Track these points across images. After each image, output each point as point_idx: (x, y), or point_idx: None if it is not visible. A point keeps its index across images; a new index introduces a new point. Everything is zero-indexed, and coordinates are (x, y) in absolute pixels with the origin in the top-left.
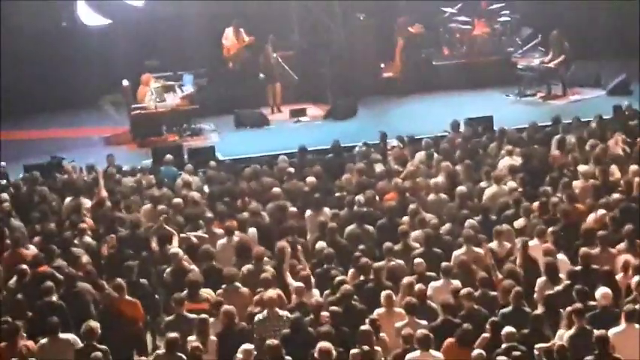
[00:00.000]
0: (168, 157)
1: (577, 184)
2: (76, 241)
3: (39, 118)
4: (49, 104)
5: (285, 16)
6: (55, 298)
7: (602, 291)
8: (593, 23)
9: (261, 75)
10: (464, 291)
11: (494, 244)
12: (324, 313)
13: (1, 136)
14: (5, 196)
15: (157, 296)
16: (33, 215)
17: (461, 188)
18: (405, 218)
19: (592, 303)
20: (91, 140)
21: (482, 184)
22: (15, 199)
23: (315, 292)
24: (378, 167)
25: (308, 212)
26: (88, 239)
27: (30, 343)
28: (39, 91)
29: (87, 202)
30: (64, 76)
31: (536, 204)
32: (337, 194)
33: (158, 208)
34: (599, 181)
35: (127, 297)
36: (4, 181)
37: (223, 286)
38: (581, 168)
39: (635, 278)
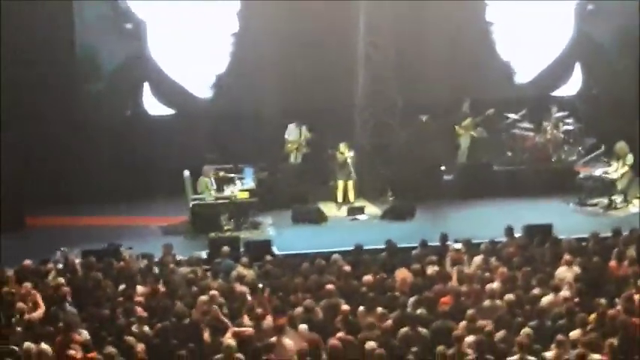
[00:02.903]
0: (226, 249)
1: (636, 298)
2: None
3: (99, 206)
4: (110, 192)
5: (347, 115)
6: None
7: None
8: None
9: (338, 167)
10: None
11: (551, 354)
12: None
13: (62, 222)
14: (62, 280)
15: None
16: (87, 301)
17: (509, 296)
18: (461, 323)
19: None
20: (149, 229)
21: (537, 291)
22: (71, 284)
23: None
24: (434, 269)
25: (361, 310)
26: (144, 328)
27: None
28: (101, 179)
29: (141, 290)
30: (126, 165)
31: (592, 315)
32: (390, 295)
33: (212, 300)
34: None
35: None
36: (61, 266)
37: None
38: None
39: None
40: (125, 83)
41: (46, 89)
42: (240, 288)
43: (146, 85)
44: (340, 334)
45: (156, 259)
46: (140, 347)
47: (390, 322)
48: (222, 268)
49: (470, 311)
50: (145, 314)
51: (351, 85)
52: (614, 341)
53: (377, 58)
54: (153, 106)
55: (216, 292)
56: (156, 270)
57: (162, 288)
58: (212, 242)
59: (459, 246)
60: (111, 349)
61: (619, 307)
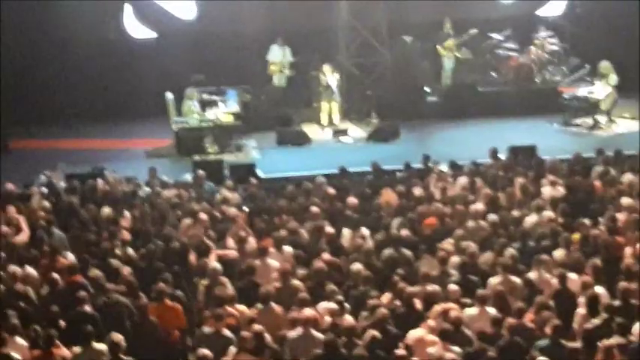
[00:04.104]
0: (201, 172)
1: (620, 217)
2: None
3: (83, 128)
4: (93, 115)
5: (331, 36)
6: (88, 308)
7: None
8: None
9: (322, 89)
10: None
11: (533, 274)
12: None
13: (45, 145)
14: (47, 204)
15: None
16: (71, 224)
17: (492, 216)
18: (445, 244)
19: (632, 338)
20: (134, 152)
21: (518, 212)
22: (56, 208)
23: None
24: (419, 191)
25: (346, 232)
26: (128, 250)
27: (65, 352)
28: (84, 102)
29: (126, 214)
30: (110, 88)
31: (576, 235)
32: (375, 216)
33: (197, 223)
34: None
35: (168, 302)
36: (45, 190)
37: (258, 304)
38: (625, 201)
39: None
40: (105, 5)
41: (27, 9)
42: (225, 210)
43: (129, 8)
44: (325, 256)
45: (140, 182)
46: (126, 270)
47: (374, 243)
48: (204, 191)
49: (458, 231)
50: (129, 237)
51: (335, 6)
52: (598, 261)
53: None
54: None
55: (201, 215)
56: (140, 193)
57: (147, 211)
58: (196, 165)
59: (443, 167)
60: (96, 272)
61: (602, 227)
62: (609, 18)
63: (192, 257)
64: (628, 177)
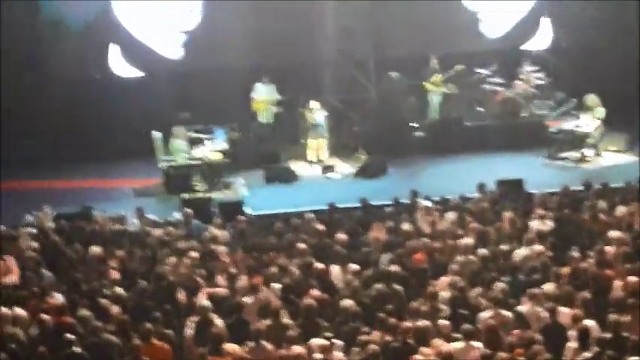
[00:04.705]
0: (188, 211)
1: (608, 250)
2: (105, 291)
3: (71, 168)
4: (81, 155)
5: (317, 72)
6: (78, 348)
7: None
8: (627, 89)
9: (309, 126)
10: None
11: (524, 308)
12: None
13: (34, 185)
14: (35, 244)
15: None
16: (60, 264)
17: (482, 250)
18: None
19: None
20: (122, 191)
21: (507, 246)
22: (44, 248)
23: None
24: (407, 226)
25: (335, 269)
26: (118, 289)
27: None
28: (71, 142)
29: (115, 253)
30: (97, 127)
31: (565, 269)
32: (364, 251)
33: (186, 260)
34: (630, 247)
35: (156, 342)
36: (34, 230)
37: (249, 342)
38: (613, 234)
39: None
40: (92, 44)
41: (12, 50)
42: (214, 248)
43: (115, 48)
44: (314, 292)
45: (129, 221)
46: (115, 309)
47: (364, 279)
48: (192, 230)
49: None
50: (118, 276)
51: (321, 43)
52: (587, 294)
53: (347, 14)
54: (122, 68)
55: (190, 253)
56: (129, 232)
57: (136, 250)
58: (184, 203)
59: (428, 202)
60: (85, 312)
61: (591, 260)
62: (594, 51)
63: (182, 295)
64: (616, 210)
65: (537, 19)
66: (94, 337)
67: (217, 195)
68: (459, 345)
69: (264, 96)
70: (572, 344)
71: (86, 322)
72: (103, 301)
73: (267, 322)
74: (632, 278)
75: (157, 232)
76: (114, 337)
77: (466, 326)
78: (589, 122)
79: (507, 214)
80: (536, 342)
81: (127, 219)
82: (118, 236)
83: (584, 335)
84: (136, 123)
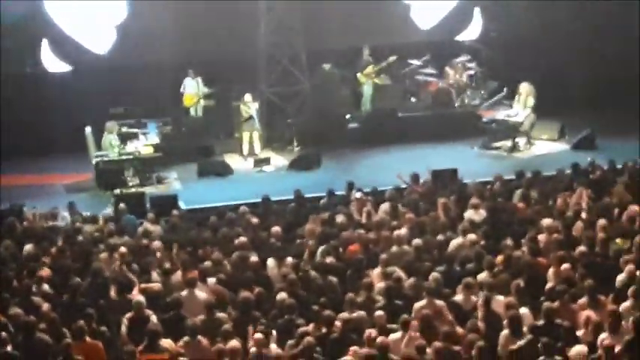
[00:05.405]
0: (122, 206)
1: (541, 238)
2: (34, 289)
3: (1, 165)
4: (12, 150)
5: (251, 65)
6: (9, 348)
7: (577, 349)
8: (558, 78)
9: (245, 119)
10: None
11: (459, 297)
12: None
13: None
14: None
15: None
16: None
17: (417, 241)
18: (370, 270)
19: (557, 358)
20: (53, 187)
21: (442, 236)
22: None
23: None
24: (342, 218)
25: (271, 262)
26: (46, 287)
27: None
28: (2, 138)
29: (47, 250)
30: (28, 123)
31: (499, 257)
32: (299, 243)
33: (118, 257)
34: (562, 235)
35: (89, 340)
36: None
37: (185, 337)
38: (545, 222)
39: (602, 336)
40: (23, 40)
41: None
42: (148, 244)
43: (45, 42)
44: (250, 286)
45: (60, 218)
46: (46, 306)
47: (299, 272)
48: (125, 225)
49: (383, 256)
50: (51, 274)
51: (255, 36)
52: (521, 282)
53: (280, 6)
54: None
55: (122, 249)
56: (61, 229)
57: (69, 247)
58: (117, 198)
59: (359, 195)
60: (17, 310)
61: (524, 249)
62: (525, 40)
63: (114, 292)
64: (548, 198)
65: (469, 10)
66: (26, 336)
67: (150, 189)
68: (395, 336)
69: (192, 90)
70: (506, 332)
71: (17, 321)
72: (35, 299)
73: (202, 317)
74: (565, 265)
75: (90, 228)
76: (46, 335)
77: (404, 316)
78: (520, 111)
79: (441, 203)
80: (472, 330)
81: (59, 215)
82: (50, 233)
83: (517, 323)
84: (67, 118)
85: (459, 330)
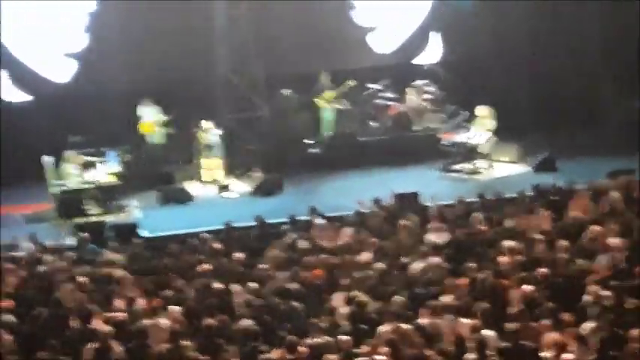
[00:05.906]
0: (84, 235)
1: (502, 260)
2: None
3: None
4: None
5: (209, 92)
6: None
7: None
8: (517, 100)
9: (202, 146)
10: None
11: (424, 321)
12: None
13: None
14: None
15: None
16: None
17: (379, 265)
18: (334, 295)
19: None
20: (12, 218)
21: (404, 259)
22: None
23: None
24: (304, 243)
25: (234, 288)
26: (8, 317)
27: None
28: None
29: (7, 280)
30: None
31: (462, 280)
32: (262, 269)
33: (80, 286)
34: (524, 256)
35: None
36: None
37: None
38: (507, 243)
39: (565, 356)
40: None
41: None
42: (110, 272)
43: (4, 72)
44: (214, 313)
45: (21, 248)
46: (7, 338)
47: (262, 297)
48: (87, 254)
49: (344, 281)
50: (12, 304)
51: (213, 62)
52: (485, 304)
53: (238, 32)
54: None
55: (82, 279)
56: (22, 259)
57: (30, 277)
58: (78, 228)
59: (324, 220)
60: None
61: (488, 271)
62: (484, 63)
63: (75, 322)
64: (510, 220)
65: (427, 34)
66: None
67: (111, 218)
68: None
69: (149, 117)
70: (471, 355)
71: None
72: None
73: (167, 345)
74: (527, 287)
75: (51, 258)
76: None
77: (369, 340)
78: (480, 134)
79: (403, 226)
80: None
81: (19, 246)
82: (11, 263)
83: (481, 346)
84: (26, 148)
85: (427, 353)
